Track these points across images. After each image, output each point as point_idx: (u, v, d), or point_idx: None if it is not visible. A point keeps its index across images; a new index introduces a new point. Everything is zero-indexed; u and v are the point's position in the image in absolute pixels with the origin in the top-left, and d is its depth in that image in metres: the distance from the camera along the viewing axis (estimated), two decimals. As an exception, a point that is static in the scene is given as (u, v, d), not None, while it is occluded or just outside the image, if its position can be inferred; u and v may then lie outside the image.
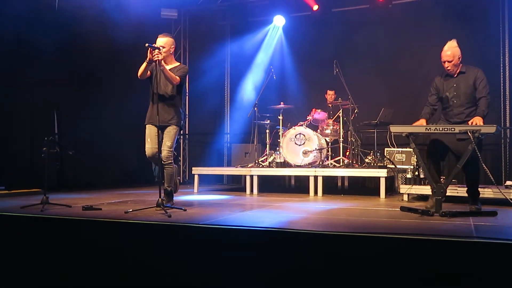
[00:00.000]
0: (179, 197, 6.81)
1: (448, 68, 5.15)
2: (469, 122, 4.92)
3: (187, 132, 10.95)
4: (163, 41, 5.28)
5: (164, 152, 5.28)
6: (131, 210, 4.86)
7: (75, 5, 7.70)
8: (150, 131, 5.36)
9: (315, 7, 9.36)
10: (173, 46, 5.41)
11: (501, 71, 8.36)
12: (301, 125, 7.93)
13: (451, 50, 5.12)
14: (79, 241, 4.17)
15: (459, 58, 5.13)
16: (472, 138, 4.61)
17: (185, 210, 5.07)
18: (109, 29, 8.37)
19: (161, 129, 5.23)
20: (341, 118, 7.83)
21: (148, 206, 5.11)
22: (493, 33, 8.37)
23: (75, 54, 8.10)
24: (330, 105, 8.39)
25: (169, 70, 5.28)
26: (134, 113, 6.76)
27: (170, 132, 5.30)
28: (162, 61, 5.11)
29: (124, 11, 8.90)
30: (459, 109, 5.13)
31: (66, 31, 7.88)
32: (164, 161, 5.30)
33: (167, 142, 5.28)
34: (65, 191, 7.30)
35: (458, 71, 5.17)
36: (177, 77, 5.22)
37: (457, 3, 8.43)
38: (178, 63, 5.55)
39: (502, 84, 8.34)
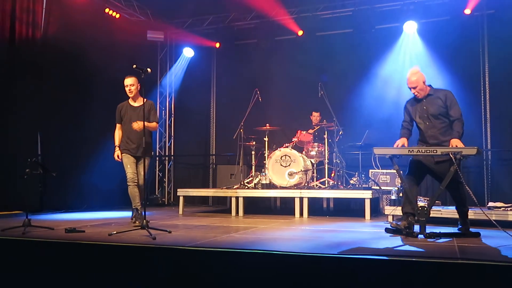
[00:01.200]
0: (164, 219, 6.77)
1: (416, 94, 5.22)
2: (449, 145, 5.00)
3: (172, 154, 10.92)
4: (131, 80, 5.99)
5: (141, 181, 6.00)
6: (115, 232, 4.81)
7: (61, 29, 7.74)
8: (129, 159, 6.07)
9: (300, 33, 9.52)
10: (139, 83, 6.02)
11: (482, 95, 8.55)
12: (287, 147, 7.97)
13: (414, 76, 5.17)
14: (61, 265, 4.09)
15: (423, 82, 5.18)
16: (454, 159, 4.69)
17: (170, 232, 5.03)
18: (95, 51, 8.41)
19: (136, 158, 6.06)
20: (326, 139, 7.89)
21: (132, 228, 5.06)
22: (474, 57, 8.60)
23: (60, 75, 8.10)
24: (316, 127, 8.45)
25: (138, 106, 6.00)
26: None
27: (145, 163, 5.89)
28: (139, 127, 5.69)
29: (110, 33, 8.97)
30: (433, 131, 5.16)
31: (54, 54, 7.90)
32: (140, 186, 6.02)
33: (141, 172, 5.94)
34: (48, 213, 7.19)
35: (426, 94, 5.22)
36: (155, 123, 6.11)
37: (439, 30, 8.64)
38: (144, 99, 6.00)
39: (483, 108, 8.53)
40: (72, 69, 8.23)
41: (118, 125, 6.20)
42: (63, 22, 8.13)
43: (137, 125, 5.74)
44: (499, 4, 8.28)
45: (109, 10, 9.20)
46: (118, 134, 6.19)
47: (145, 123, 5.57)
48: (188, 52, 10.52)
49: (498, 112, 8.43)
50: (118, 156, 6.08)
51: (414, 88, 5.19)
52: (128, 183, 5.98)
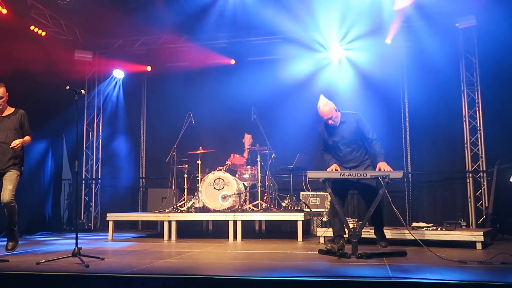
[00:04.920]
0: (94, 245, 6.51)
1: (331, 123, 5.47)
2: (377, 168, 5.31)
3: (99, 177, 10.54)
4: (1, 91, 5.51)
5: (7, 196, 5.30)
6: (43, 261, 4.56)
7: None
8: None
9: (232, 61, 9.73)
10: (6, 93, 5.59)
11: (402, 121, 9.11)
12: (220, 170, 8.00)
13: (326, 107, 5.40)
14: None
15: (335, 109, 5.45)
16: (382, 182, 4.98)
17: (102, 259, 4.86)
18: (18, 70, 8.01)
19: (2, 174, 5.43)
20: (259, 163, 8.01)
21: (62, 256, 4.82)
22: (396, 84, 9.17)
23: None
24: (248, 150, 8.57)
25: (7, 115, 5.60)
26: (32, 157, 6.57)
27: (11, 177, 5.40)
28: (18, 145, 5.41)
29: (35, 52, 8.60)
30: (351, 155, 5.50)
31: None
32: (7, 204, 5.31)
33: (8, 186, 5.34)
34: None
35: (339, 121, 5.50)
36: (29, 137, 5.60)
37: (364, 58, 9.14)
38: (13, 108, 5.68)
39: (403, 133, 9.07)
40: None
41: None
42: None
43: (15, 144, 5.37)
44: (415, 37, 8.91)
45: (35, 27, 8.83)
46: None
47: (22, 140, 5.46)
48: (117, 73, 10.30)
49: (417, 137, 9.01)
50: None
51: (330, 118, 5.43)
52: None
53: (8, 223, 5.47)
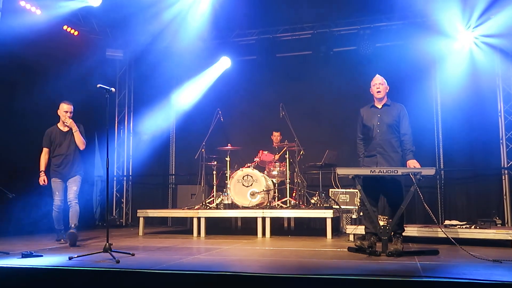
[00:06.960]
0: (124, 241, 6.62)
1: (379, 91, 5.44)
2: (407, 166, 5.21)
3: (130, 174, 10.70)
4: (72, 107, 6.41)
5: (72, 195, 6.28)
6: (76, 256, 4.66)
7: (16, 41, 7.51)
8: (57, 185, 6.36)
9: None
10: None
11: (434, 116, 8.90)
12: (249, 167, 8.00)
13: (379, 77, 5.50)
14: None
15: (387, 88, 5.48)
16: (414, 180, 4.87)
17: (133, 255, 4.93)
18: (52, 66, 8.20)
19: (66, 180, 6.38)
20: (287, 159, 7.98)
21: (94, 251, 4.92)
22: (428, 79, 8.96)
23: (13, 92, 7.83)
24: (277, 147, 8.54)
25: (68, 131, 6.42)
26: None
27: (76, 180, 6.38)
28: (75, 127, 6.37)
29: (68, 50, 8.79)
30: (381, 139, 5.37)
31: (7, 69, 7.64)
32: (71, 201, 6.26)
33: (73, 187, 6.33)
34: (1, 236, 6.86)
35: (384, 102, 5.47)
36: (82, 138, 6.40)
37: (394, 53, 8.94)
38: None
39: (435, 129, 8.87)
40: (26, 86, 7.98)
41: (45, 150, 6.44)
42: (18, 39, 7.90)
43: (71, 121, 6.31)
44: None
45: (67, 27, 9.02)
46: (44, 158, 6.42)
47: (78, 134, 6.32)
48: (148, 70, 10.40)
49: (450, 133, 8.79)
50: (44, 181, 6.32)
51: (382, 84, 5.44)
52: (54, 209, 6.31)
53: (70, 224, 6.17)
